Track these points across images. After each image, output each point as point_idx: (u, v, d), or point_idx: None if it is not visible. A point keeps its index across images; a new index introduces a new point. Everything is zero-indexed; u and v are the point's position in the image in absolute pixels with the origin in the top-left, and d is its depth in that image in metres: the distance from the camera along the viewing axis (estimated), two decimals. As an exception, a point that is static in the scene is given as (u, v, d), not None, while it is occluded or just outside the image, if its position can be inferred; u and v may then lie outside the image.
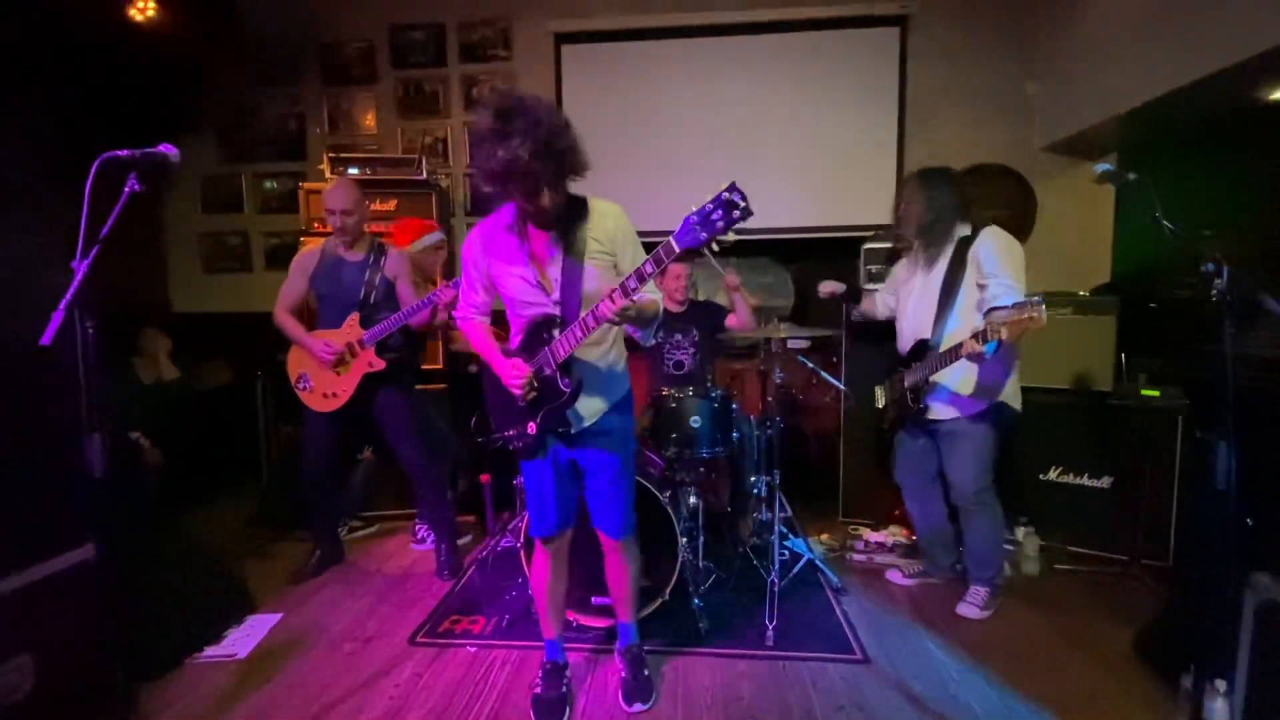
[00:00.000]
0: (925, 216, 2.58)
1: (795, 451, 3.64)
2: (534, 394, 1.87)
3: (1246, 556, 1.88)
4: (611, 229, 1.85)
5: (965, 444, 2.59)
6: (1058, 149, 4.02)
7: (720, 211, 1.50)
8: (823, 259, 4.28)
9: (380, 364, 2.85)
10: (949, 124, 4.17)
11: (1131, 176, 1.92)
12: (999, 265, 2.44)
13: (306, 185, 3.95)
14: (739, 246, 4.78)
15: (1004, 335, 2.18)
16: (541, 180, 1.63)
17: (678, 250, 1.56)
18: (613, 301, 1.64)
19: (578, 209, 1.84)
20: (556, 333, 1.81)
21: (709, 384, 3.12)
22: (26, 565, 1.82)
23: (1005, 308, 2.28)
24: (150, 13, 3.59)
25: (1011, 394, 2.59)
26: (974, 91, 4.14)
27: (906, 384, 2.65)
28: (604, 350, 1.95)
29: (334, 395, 2.89)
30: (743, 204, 1.49)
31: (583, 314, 1.76)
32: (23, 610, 1.79)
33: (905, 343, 2.72)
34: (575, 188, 1.82)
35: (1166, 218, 1.85)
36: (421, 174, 3.92)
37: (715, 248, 1.56)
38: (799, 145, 4.23)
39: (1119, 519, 3.05)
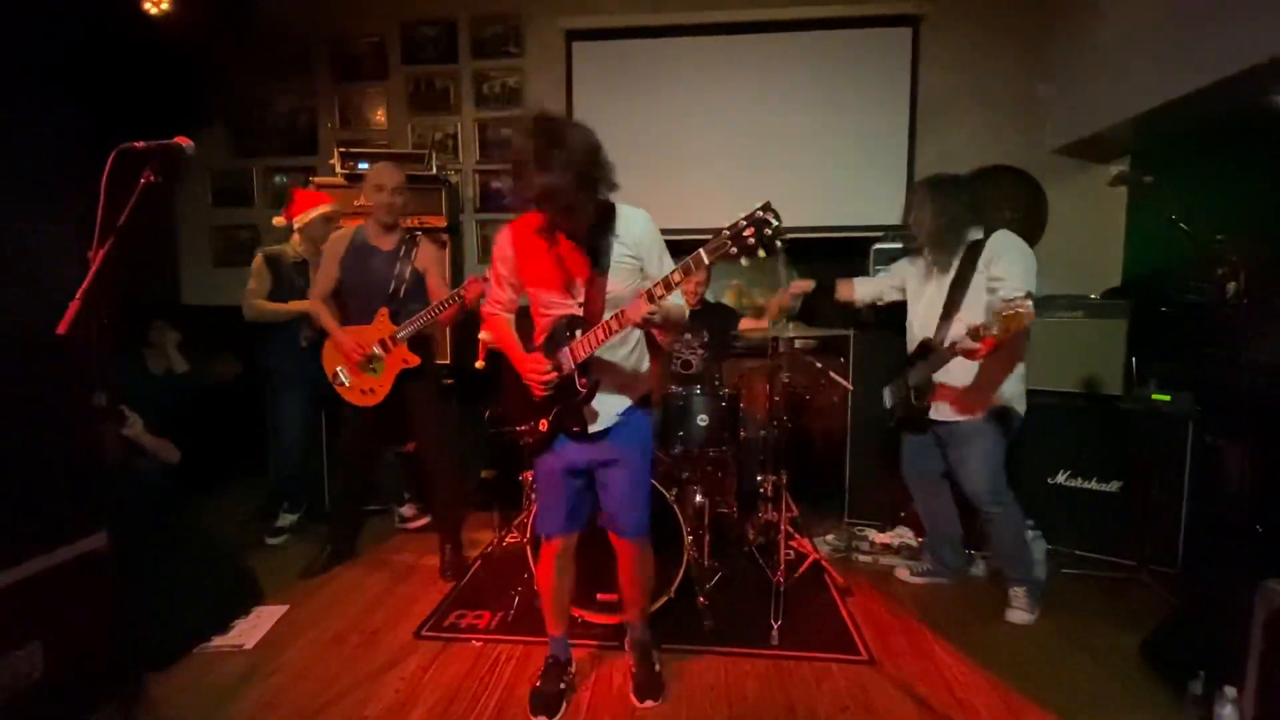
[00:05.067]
0: (934, 224, 2.58)
1: (802, 451, 3.64)
2: (550, 391, 1.90)
3: (1256, 563, 1.87)
4: (638, 235, 1.89)
5: (969, 448, 2.59)
6: (1070, 151, 3.99)
7: (752, 229, 1.55)
8: (832, 259, 4.27)
9: (415, 360, 2.82)
10: (960, 125, 4.15)
11: (1148, 179, 1.92)
12: (1008, 269, 2.44)
13: (317, 180, 3.96)
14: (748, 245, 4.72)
15: (995, 331, 2.17)
16: (577, 203, 1.70)
17: (707, 262, 1.61)
18: (639, 307, 1.68)
19: (605, 215, 1.87)
20: (579, 333, 1.85)
21: (717, 383, 3.12)
22: (38, 553, 1.83)
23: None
24: (164, 6, 3.60)
25: (1014, 398, 2.58)
26: (986, 92, 4.12)
27: (911, 383, 2.67)
28: (627, 351, 1.98)
29: (371, 391, 2.87)
30: (775, 224, 1.54)
31: (606, 317, 1.79)
32: (33, 598, 1.80)
33: (913, 344, 2.73)
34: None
35: (1180, 221, 1.85)
36: (431, 170, 3.93)
37: (744, 262, 1.59)
38: (809, 144, 4.22)
39: (1127, 524, 3.03)
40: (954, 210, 2.55)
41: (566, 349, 1.87)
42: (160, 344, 3.78)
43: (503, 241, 1.96)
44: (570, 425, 1.93)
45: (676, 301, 1.88)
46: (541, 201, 1.69)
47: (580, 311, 1.87)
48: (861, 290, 2.98)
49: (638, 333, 2.00)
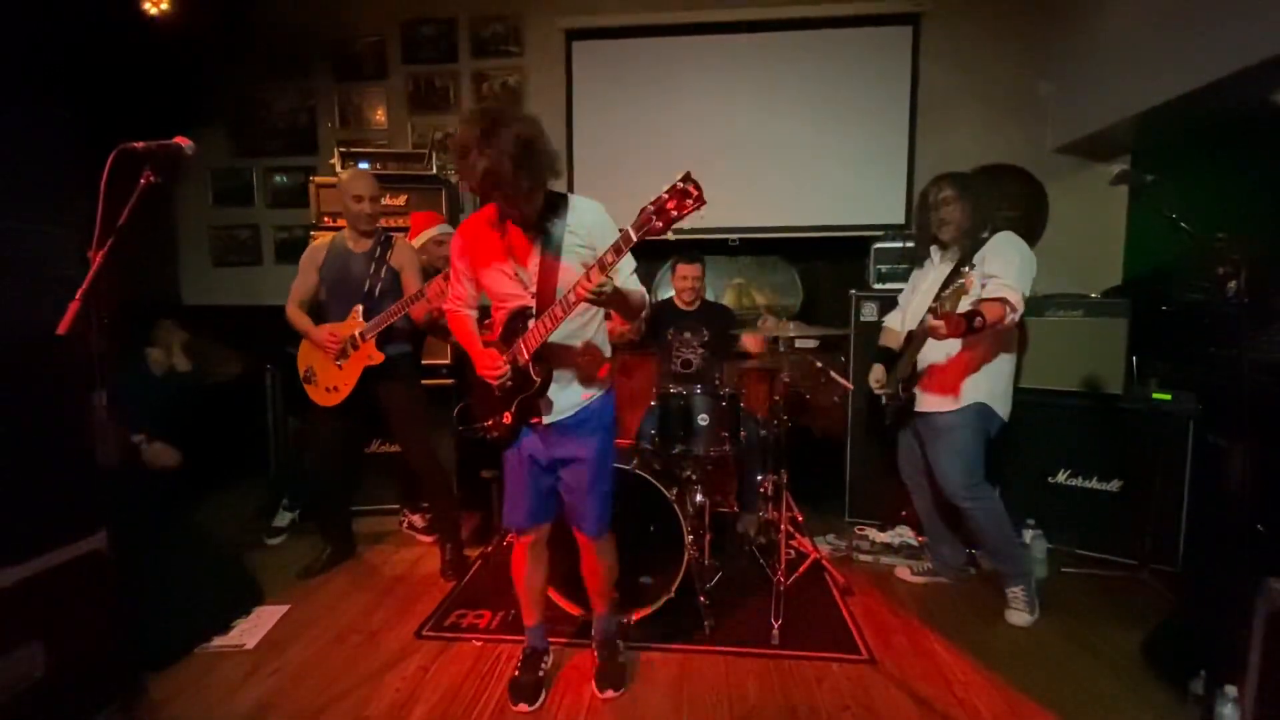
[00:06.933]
0: (969, 223, 2.55)
1: (802, 451, 3.63)
2: (510, 383, 1.91)
3: (1257, 562, 1.86)
4: (590, 223, 1.88)
5: (943, 440, 2.60)
6: (1070, 150, 3.99)
7: (674, 200, 1.54)
8: (832, 259, 4.28)
9: (379, 357, 2.81)
10: (961, 124, 4.14)
11: (1149, 178, 1.91)
12: (1003, 268, 2.42)
13: (317, 179, 3.96)
14: (749, 245, 4.74)
15: (948, 306, 2.21)
16: (520, 187, 1.70)
17: (635, 238, 1.61)
18: (588, 281, 1.67)
19: (557, 205, 1.88)
20: (531, 323, 1.86)
21: (716, 382, 3.12)
22: (38, 553, 1.83)
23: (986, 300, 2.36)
24: (164, 6, 3.60)
25: (993, 397, 2.57)
26: (987, 91, 4.12)
27: (898, 375, 2.70)
28: (584, 343, 1.98)
29: (335, 389, 2.87)
30: (695, 193, 1.53)
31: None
32: (34, 598, 1.80)
33: (902, 337, 2.76)
34: (584, 188, 1.84)
35: (1180, 220, 1.84)
36: (431, 169, 3.92)
37: (670, 236, 1.60)
38: (809, 143, 4.21)
39: (1128, 523, 3.03)
40: (985, 209, 2.55)
41: (520, 340, 1.87)
42: (166, 343, 3.78)
43: (457, 238, 1.99)
44: (529, 416, 1.96)
45: (634, 286, 1.91)
46: (482, 186, 1.69)
47: (533, 302, 1.88)
48: (898, 324, 2.88)
49: (595, 324, 2.01)
